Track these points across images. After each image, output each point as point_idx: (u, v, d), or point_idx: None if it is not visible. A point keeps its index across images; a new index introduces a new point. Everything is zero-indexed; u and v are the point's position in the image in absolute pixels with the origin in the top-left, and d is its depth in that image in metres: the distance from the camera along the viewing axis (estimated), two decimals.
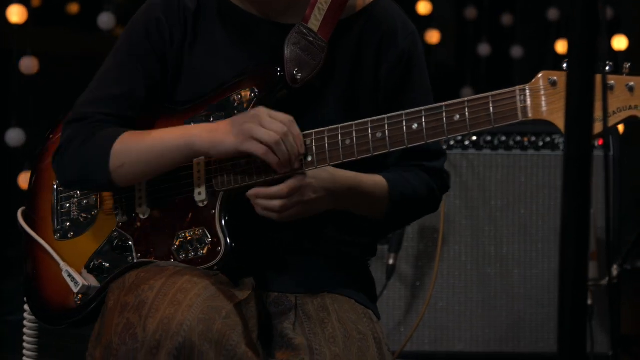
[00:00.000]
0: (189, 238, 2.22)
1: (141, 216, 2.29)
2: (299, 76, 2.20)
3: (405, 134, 2.08)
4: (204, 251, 2.19)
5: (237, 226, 2.20)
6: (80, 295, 2.32)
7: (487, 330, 3.73)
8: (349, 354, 2.15)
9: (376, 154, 2.11)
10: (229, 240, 2.18)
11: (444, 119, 2.05)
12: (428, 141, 2.07)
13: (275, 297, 2.25)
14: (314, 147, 2.13)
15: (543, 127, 3.73)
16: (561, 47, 5.50)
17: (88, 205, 2.37)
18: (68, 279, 2.33)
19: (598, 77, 1.82)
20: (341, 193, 2.17)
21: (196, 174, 2.23)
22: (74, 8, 5.99)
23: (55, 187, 2.42)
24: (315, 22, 2.23)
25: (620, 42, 5.25)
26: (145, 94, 2.27)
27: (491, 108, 2.02)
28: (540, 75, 2.00)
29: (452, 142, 3.72)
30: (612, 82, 1.95)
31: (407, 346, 3.69)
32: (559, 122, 1.96)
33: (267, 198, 2.13)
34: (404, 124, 2.08)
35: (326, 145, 2.12)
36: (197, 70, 2.29)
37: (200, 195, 2.22)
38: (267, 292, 2.26)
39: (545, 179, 3.75)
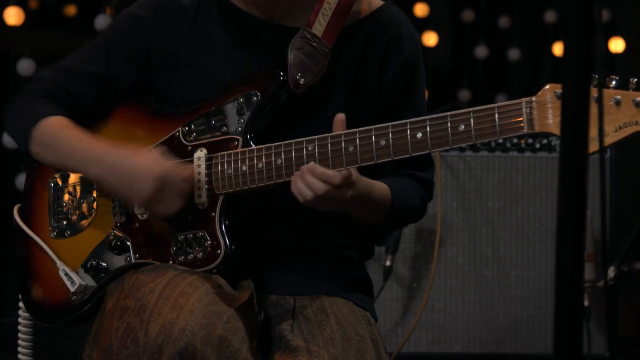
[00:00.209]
0: (188, 240, 2.22)
1: (139, 217, 2.29)
2: (301, 81, 2.21)
3: (409, 143, 2.08)
4: (204, 254, 2.19)
5: (237, 229, 2.20)
6: (76, 295, 2.32)
7: (484, 332, 3.74)
8: (347, 356, 2.15)
9: (379, 161, 2.10)
10: (228, 244, 2.18)
11: (449, 128, 2.05)
12: (432, 150, 2.07)
13: (274, 300, 2.26)
14: (316, 153, 2.12)
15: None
16: (558, 49, 5.51)
17: (86, 204, 2.36)
18: (65, 278, 2.33)
19: (605, 92, 1.83)
20: (358, 197, 2.17)
21: (197, 176, 2.23)
22: (71, 10, 6.00)
23: (52, 184, 2.41)
24: (319, 28, 2.23)
25: (617, 45, 5.26)
26: (101, 83, 2.35)
27: (497, 119, 2.01)
28: (547, 87, 1.99)
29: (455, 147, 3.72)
30: (619, 97, 1.94)
31: (404, 347, 3.69)
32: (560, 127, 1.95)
33: (317, 178, 2.10)
34: (409, 132, 2.08)
35: (329, 151, 2.12)
36: (197, 71, 2.29)
37: (200, 197, 2.23)
38: (266, 294, 2.26)
39: (542, 180, 3.75)
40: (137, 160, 2.20)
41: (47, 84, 2.36)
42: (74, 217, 2.38)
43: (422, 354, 3.74)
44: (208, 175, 2.22)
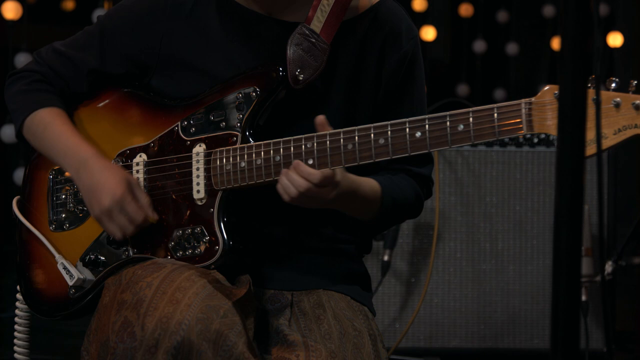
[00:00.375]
0: (186, 235, 2.22)
1: None
2: (300, 77, 2.21)
3: (408, 142, 2.07)
4: (202, 249, 2.19)
5: (235, 225, 2.20)
6: (74, 289, 2.32)
7: (482, 326, 3.74)
8: (344, 351, 2.15)
9: (378, 160, 2.10)
10: (227, 239, 2.18)
11: (448, 128, 2.04)
12: (431, 150, 2.07)
13: (271, 294, 2.26)
14: (315, 151, 2.12)
15: None
16: (557, 44, 5.51)
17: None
18: (63, 272, 2.33)
19: (604, 94, 1.83)
20: (343, 195, 2.17)
21: (195, 171, 2.24)
22: (69, 4, 5.99)
23: (50, 177, 2.42)
24: (317, 24, 2.23)
25: (615, 39, 5.26)
26: (94, 72, 2.38)
27: (496, 119, 2.01)
28: (546, 88, 1.99)
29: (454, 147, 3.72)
30: (619, 99, 1.93)
31: (402, 342, 3.69)
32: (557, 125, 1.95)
33: (300, 175, 2.12)
34: (407, 131, 2.07)
35: (328, 149, 2.12)
36: (194, 67, 2.29)
37: (199, 193, 2.23)
38: (263, 289, 2.26)
39: (540, 175, 3.75)
40: (107, 175, 2.26)
41: (44, 68, 2.40)
42: (73, 210, 2.38)
43: (420, 349, 3.74)
44: (207, 170, 2.22)
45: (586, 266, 3.59)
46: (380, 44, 2.28)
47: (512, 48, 5.60)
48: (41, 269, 2.39)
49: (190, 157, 2.25)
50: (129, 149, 2.33)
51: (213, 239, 2.19)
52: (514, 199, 3.76)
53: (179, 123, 2.29)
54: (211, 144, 2.23)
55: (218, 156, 2.21)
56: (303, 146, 2.12)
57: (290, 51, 2.21)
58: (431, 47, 5.57)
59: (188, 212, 2.23)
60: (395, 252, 3.72)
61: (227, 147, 2.21)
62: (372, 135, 2.09)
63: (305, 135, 2.13)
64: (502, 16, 5.71)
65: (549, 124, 1.98)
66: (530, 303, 3.74)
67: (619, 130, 1.93)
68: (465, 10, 5.65)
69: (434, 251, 3.70)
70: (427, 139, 2.06)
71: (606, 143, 1.93)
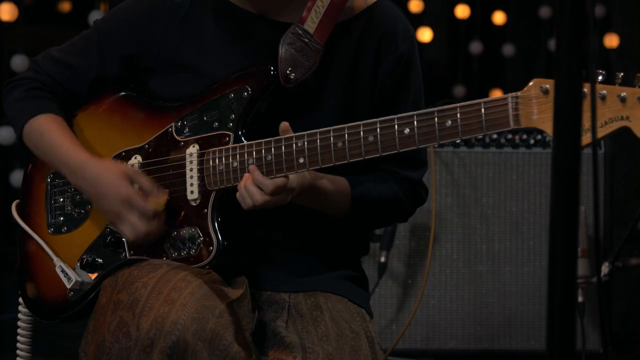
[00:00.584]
0: (180, 237, 2.22)
1: None
2: (292, 76, 2.21)
3: (397, 138, 2.08)
4: (196, 250, 2.20)
5: (229, 225, 2.20)
6: (72, 291, 2.32)
7: (479, 328, 3.74)
8: (341, 353, 2.15)
9: (368, 157, 2.10)
10: (221, 239, 2.18)
11: (436, 124, 2.05)
12: (420, 146, 2.07)
13: (268, 296, 2.26)
14: (306, 149, 2.13)
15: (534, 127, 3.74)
16: (553, 45, 5.51)
17: (82, 200, 2.37)
18: (61, 275, 2.33)
19: (589, 86, 1.82)
20: (306, 194, 2.19)
21: (189, 172, 2.24)
22: (65, 6, 5.99)
23: (48, 180, 2.43)
24: (311, 24, 2.23)
25: (611, 40, 5.26)
26: (94, 78, 2.38)
27: (483, 114, 2.01)
28: (532, 83, 1.99)
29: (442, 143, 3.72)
30: (604, 92, 1.93)
31: (399, 344, 3.70)
32: (550, 130, 1.94)
33: (254, 183, 2.14)
34: (396, 128, 2.08)
35: (318, 147, 2.12)
36: (189, 68, 2.30)
37: (192, 194, 2.23)
38: (260, 290, 2.26)
39: (537, 176, 3.76)
40: (105, 177, 2.26)
41: (42, 76, 2.41)
42: (71, 214, 2.39)
43: (416, 350, 3.74)
44: (200, 171, 2.22)
45: (582, 267, 3.60)
46: (376, 45, 2.28)
47: (508, 49, 5.60)
48: (40, 272, 2.40)
49: (184, 158, 2.25)
50: (124, 151, 2.33)
51: (207, 239, 2.19)
52: (510, 200, 3.76)
53: (173, 124, 2.29)
54: (204, 145, 2.23)
55: (211, 156, 2.21)
56: (294, 145, 2.13)
57: (282, 50, 2.21)
58: (427, 48, 5.57)
59: (182, 213, 2.23)
60: (391, 253, 3.72)
61: (219, 147, 2.21)
62: (361, 132, 2.10)
63: (296, 134, 2.13)
64: (498, 17, 5.71)
65: (536, 118, 1.98)
66: (527, 304, 3.74)
67: (605, 123, 1.93)
68: (462, 11, 5.65)
69: (430, 252, 3.70)
70: (415, 135, 2.06)
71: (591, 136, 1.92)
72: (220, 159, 2.20)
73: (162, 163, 2.28)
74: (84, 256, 2.33)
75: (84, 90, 2.40)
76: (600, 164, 3.71)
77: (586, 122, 1.80)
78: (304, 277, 2.28)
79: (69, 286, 2.32)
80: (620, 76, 1.94)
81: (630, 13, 5.49)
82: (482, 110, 2.01)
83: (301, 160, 2.12)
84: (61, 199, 2.40)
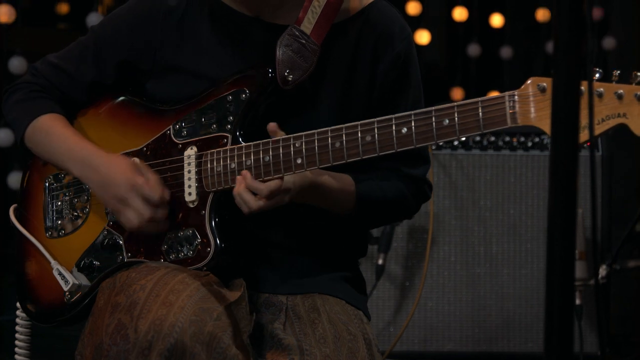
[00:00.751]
0: (178, 238, 2.22)
1: None
2: (290, 78, 2.21)
3: (394, 138, 2.08)
4: (194, 252, 2.19)
5: (227, 227, 2.20)
6: (69, 294, 2.32)
7: (477, 330, 3.74)
8: (339, 355, 2.15)
9: (365, 157, 2.10)
10: (218, 241, 2.18)
11: (433, 123, 2.05)
12: (417, 145, 2.07)
13: (266, 298, 2.26)
14: (303, 150, 2.13)
15: (532, 128, 3.73)
16: (551, 47, 5.51)
17: (79, 204, 2.37)
18: (58, 277, 2.33)
19: (586, 84, 1.83)
20: (307, 192, 2.18)
21: (187, 174, 2.24)
22: (63, 8, 5.99)
23: (46, 184, 2.43)
24: (308, 25, 2.23)
25: (609, 43, 5.27)
26: (91, 83, 2.39)
27: (480, 113, 2.02)
28: (529, 81, 2.00)
29: (441, 143, 3.72)
30: (601, 89, 1.93)
31: (397, 346, 3.69)
32: (548, 128, 1.94)
33: (247, 191, 2.14)
34: (394, 127, 2.08)
35: (316, 147, 2.12)
36: (186, 71, 2.30)
37: (190, 195, 2.23)
38: (258, 292, 2.26)
39: (534, 179, 3.76)
40: (114, 165, 2.26)
41: (41, 80, 2.42)
42: (68, 217, 2.39)
43: (414, 353, 3.74)
44: (198, 173, 2.22)
45: (580, 270, 3.60)
46: (373, 46, 2.28)
47: (506, 51, 5.61)
48: (37, 276, 2.40)
49: (182, 160, 2.25)
50: (122, 154, 2.33)
51: (205, 240, 2.19)
52: (508, 202, 3.76)
53: (171, 127, 2.29)
54: (202, 147, 2.24)
55: (209, 158, 2.21)
56: (292, 146, 2.13)
57: (279, 52, 2.21)
58: (425, 50, 5.57)
59: (180, 214, 2.23)
60: (389, 255, 3.72)
61: (217, 149, 2.21)
62: (359, 132, 2.10)
63: (294, 134, 2.13)
64: (496, 20, 5.72)
65: (533, 116, 1.98)
66: (525, 307, 3.74)
67: (602, 120, 1.93)
68: (460, 13, 5.65)
69: (428, 255, 3.70)
70: (412, 135, 2.06)
71: (588, 134, 1.92)
72: (218, 160, 2.20)
73: (160, 165, 2.28)
74: (82, 259, 2.33)
75: (82, 95, 2.40)
76: (598, 166, 3.71)
77: (583, 120, 1.80)
78: (301, 279, 2.28)
79: (66, 289, 2.32)
80: (616, 74, 1.94)
81: (629, 15, 5.49)
82: (480, 109, 2.01)
83: (299, 161, 2.12)
84: (59, 203, 2.40)
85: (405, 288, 3.74)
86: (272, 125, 2.14)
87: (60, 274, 2.33)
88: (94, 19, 4.51)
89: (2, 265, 4.76)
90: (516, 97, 2.00)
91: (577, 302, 3.58)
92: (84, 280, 2.32)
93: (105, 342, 2.04)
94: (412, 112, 2.07)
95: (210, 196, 2.21)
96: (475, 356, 3.74)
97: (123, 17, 2.37)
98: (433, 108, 2.05)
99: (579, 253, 3.59)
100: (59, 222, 2.40)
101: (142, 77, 2.35)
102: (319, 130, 2.12)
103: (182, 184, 2.24)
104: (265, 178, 2.14)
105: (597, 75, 1.94)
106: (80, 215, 2.37)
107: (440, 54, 6.27)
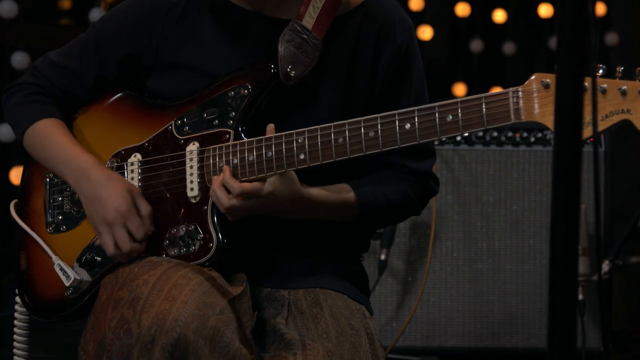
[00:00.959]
0: (180, 234, 2.22)
1: None
2: (292, 73, 2.21)
3: (397, 134, 2.08)
4: (196, 247, 2.20)
5: (229, 222, 2.20)
6: (71, 290, 2.32)
7: (479, 326, 3.74)
8: (341, 350, 2.15)
9: (369, 152, 2.10)
10: (220, 237, 2.18)
11: (437, 119, 2.05)
12: (421, 141, 2.07)
13: (268, 293, 2.26)
14: (306, 145, 2.13)
15: (535, 123, 3.73)
16: (554, 43, 5.51)
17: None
18: (60, 273, 2.33)
19: (590, 80, 1.83)
20: (295, 208, 2.19)
21: (189, 169, 2.24)
22: (66, 3, 5.98)
23: (47, 180, 2.43)
24: (309, 20, 2.23)
25: (611, 39, 5.26)
26: (93, 80, 2.38)
27: (484, 109, 2.01)
28: (533, 77, 2.00)
29: (443, 138, 3.71)
30: (605, 85, 1.93)
31: (399, 341, 3.69)
32: (551, 124, 1.95)
33: (222, 187, 2.15)
34: (397, 123, 2.08)
35: (319, 143, 2.12)
36: (187, 67, 2.30)
37: (192, 191, 2.23)
38: (260, 287, 2.26)
39: (537, 174, 3.75)
40: (110, 186, 2.26)
41: (42, 80, 2.41)
42: (70, 212, 2.39)
43: (417, 348, 3.73)
44: (200, 168, 2.22)
45: (583, 265, 3.59)
46: (374, 39, 2.28)
47: (509, 47, 5.60)
48: (39, 271, 2.40)
49: (184, 156, 2.25)
50: (124, 150, 2.34)
51: (207, 236, 2.19)
52: (510, 198, 3.75)
53: (173, 122, 2.29)
54: (205, 142, 2.24)
55: (211, 154, 2.21)
56: (294, 141, 2.13)
57: (281, 48, 2.21)
58: (428, 46, 5.56)
59: (182, 210, 2.23)
60: (392, 251, 3.72)
61: (220, 145, 2.21)
62: (362, 128, 2.10)
63: (297, 130, 2.13)
64: (499, 15, 5.71)
65: (537, 112, 1.98)
66: (527, 302, 3.74)
67: (606, 116, 1.93)
68: (462, 9, 5.65)
69: (430, 250, 3.70)
70: (416, 130, 2.06)
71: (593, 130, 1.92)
72: (220, 156, 2.20)
73: (161, 161, 2.28)
74: (84, 254, 2.33)
75: (84, 93, 2.40)
76: (601, 161, 3.71)
77: (587, 116, 1.80)
78: (303, 274, 2.28)
79: (67, 284, 2.32)
80: (620, 70, 1.94)
81: (631, 11, 5.49)
82: (483, 104, 2.01)
83: (302, 157, 2.12)
84: (60, 198, 2.40)
85: (408, 283, 3.74)
86: (270, 127, 2.15)
87: (61, 269, 2.33)
88: (96, 14, 4.51)
89: (3, 262, 4.76)
90: (520, 93, 2.00)
91: (580, 297, 3.58)
92: (85, 276, 2.32)
93: (108, 336, 2.04)
94: (416, 107, 2.07)
95: None
96: (478, 351, 3.74)
97: (124, 12, 2.37)
98: (436, 104, 2.05)
99: (581, 249, 3.59)
100: (60, 217, 2.40)
101: (144, 73, 2.35)
102: (322, 125, 2.12)
103: (184, 179, 2.24)
104: (243, 179, 2.15)
105: (601, 71, 1.94)
106: (82, 210, 2.37)
107: (443, 50, 6.26)
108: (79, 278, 2.31)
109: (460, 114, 2.03)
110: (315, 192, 2.20)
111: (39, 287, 2.40)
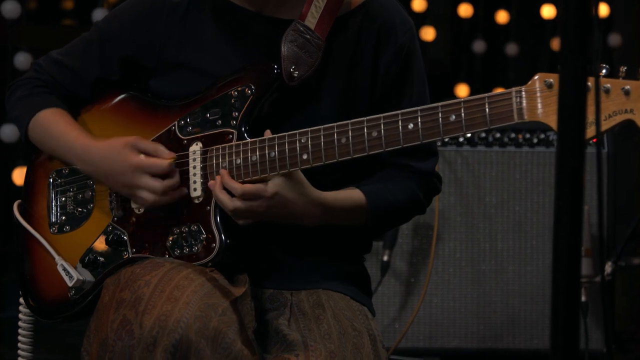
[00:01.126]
0: (183, 234, 2.22)
1: (136, 211, 2.30)
2: (295, 74, 2.21)
3: (400, 134, 2.08)
4: (199, 247, 2.20)
5: (232, 222, 2.20)
6: (74, 290, 2.32)
7: (482, 327, 3.74)
8: (343, 351, 2.15)
9: (372, 153, 2.10)
10: (223, 237, 2.18)
11: (440, 119, 2.05)
12: (424, 141, 2.07)
13: (271, 294, 2.26)
14: (309, 145, 2.13)
15: (537, 124, 3.73)
16: (556, 44, 5.51)
17: (84, 200, 2.38)
18: (63, 273, 2.33)
19: (593, 80, 1.83)
20: (309, 212, 2.18)
21: (192, 170, 2.24)
22: (68, 4, 5.99)
23: (51, 180, 2.43)
24: (312, 20, 2.23)
25: (614, 40, 5.26)
26: (95, 79, 2.39)
27: (487, 109, 2.01)
28: (536, 77, 2.00)
29: (446, 139, 3.72)
30: (608, 85, 1.93)
31: (402, 342, 3.69)
32: (555, 124, 1.94)
33: (223, 190, 2.15)
34: (400, 123, 2.08)
35: (322, 143, 2.12)
36: (190, 68, 2.30)
37: (195, 191, 2.23)
38: (263, 288, 2.26)
39: (540, 175, 3.75)
40: (110, 153, 2.26)
41: (44, 76, 2.42)
42: (73, 213, 2.39)
43: (419, 349, 3.73)
44: (203, 169, 2.22)
45: (586, 267, 3.59)
46: (375, 39, 2.28)
47: (511, 48, 5.60)
48: (42, 272, 2.40)
49: (187, 156, 2.25)
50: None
51: (210, 236, 2.19)
52: (513, 199, 3.75)
53: (176, 122, 2.29)
54: (208, 142, 2.24)
55: (214, 154, 2.22)
56: (297, 141, 2.13)
57: (284, 48, 2.21)
58: (430, 47, 5.56)
59: (185, 210, 2.23)
60: (394, 252, 3.72)
61: (223, 145, 2.21)
62: (365, 128, 2.10)
63: (300, 130, 2.13)
64: (501, 16, 5.71)
65: (540, 112, 1.98)
66: (530, 303, 3.73)
67: (609, 116, 1.93)
68: (465, 10, 5.65)
69: (433, 251, 3.70)
70: (419, 130, 2.06)
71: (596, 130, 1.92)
72: (223, 156, 2.20)
73: None
74: (87, 255, 2.34)
75: (86, 92, 2.40)
76: (604, 162, 3.71)
77: (590, 116, 1.80)
78: (306, 275, 2.28)
79: (70, 284, 2.32)
80: (623, 70, 1.94)
81: (633, 12, 5.49)
82: (486, 104, 2.01)
83: (305, 157, 2.12)
84: (63, 198, 2.41)
85: (411, 284, 3.74)
86: (266, 133, 2.15)
87: (64, 269, 2.33)
88: (99, 14, 4.51)
89: (5, 262, 4.77)
90: (523, 92, 2.00)
91: (583, 299, 3.58)
92: (88, 276, 2.32)
93: (111, 337, 2.04)
94: (419, 107, 2.07)
95: None
96: (481, 353, 3.74)
97: (127, 12, 2.37)
98: (440, 104, 2.05)
99: (584, 250, 3.58)
100: (63, 218, 2.40)
101: (147, 73, 2.35)
102: (325, 126, 2.12)
103: (188, 179, 2.24)
104: (246, 179, 2.15)
105: (604, 71, 1.94)
106: (85, 211, 2.37)
107: (445, 51, 6.26)
108: (82, 278, 2.31)
109: (463, 114, 2.03)
110: (327, 195, 2.20)
111: (42, 287, 2.40)
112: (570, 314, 1.34)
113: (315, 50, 2.22)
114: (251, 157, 2.16)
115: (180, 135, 2.28)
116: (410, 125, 2.07)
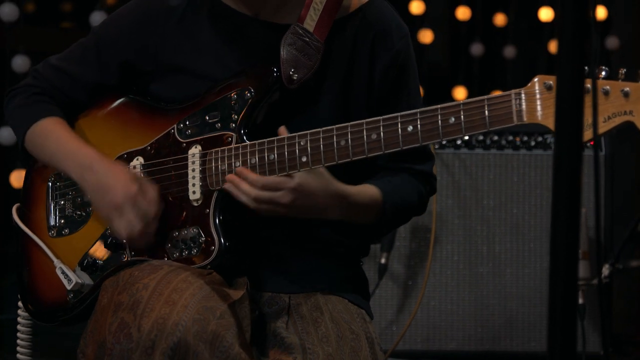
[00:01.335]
0: (182, 237, 2.22)
1: None
2: (295, 77, 2.21)
3: (400, 136, 2.08)
4: (198, 250, 2.20)
5: (231, 225, 2.20)
6: (72, 293, 2.32)
7: (480, 329, 3.74)
8: (341, 354, 2.15)
9: (371, 155, 2.11)
10: (222, 240, 2.18)
11: (439, 121, 2.05)
12: (423, 143, 2.08)
13: (269, 297, 2.26)
14: (309, 148, 2.13)
15: (535, 127, 3.73)
16: (554, 47, 5.51)
17: (83, 203, 2.38)
18: (61, 276, 2.33)
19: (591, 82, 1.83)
20: (332, 205, 2.17)
21: (191, 172, 2.24)
22: (67, 7, 5.99)
23: (49, 184, 2.43)
24: (310, 23, 2.23)
25: (612, 42, 5.26)
26: (93, 84, 2.39)
27: (486, 111, 2.02)
28: (536, 79, 2.00)
29: (444, 142, 3.72)
30: (607, 87, 1.94)
31: (400, 345, 3.69)
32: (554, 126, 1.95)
33: (244, 180, 2.14)
34: (399, 126, 2.08)
35: (321, 146, 2.12)
36: (185, 69, 2.30)
37: (194, 194, 2.23)
38: (261, 291, 2.26)
39: (538, 178, 3.76)
40: (115, 174, 2.25)
41: (43, 83, 2.41)
42: (72, 216, 2.39)
43: (417, 352, 3.74)
44: (202, 171, 2.22)
45: (583, 269, 3.59)
46: (371, 43, 2.29)
47: (509, 51, 5.60)
48: (40, 275, 2.40)
49: (186, 159, 2.25)
50: (126, 153, 2.34)
51: (209, 239, 2.19)
52: (511, 202, 3.76)
53: (175, 125, 2.29)
54: (207, 145, 2.24)
55: (213, 157, 2.22)
56: (296, 144, 2.13)
57: (283, 51, 2.21)
58: (428, 50, 5.56)
59: (184, 213, 2.23)
60: (392, 255, 3.72)
61: (222, 148, 2.21)
62: (364, 130, 2.10)
63: (299, 133, 2.13)
64: (499, 19, 5.71)
65: (539, 114, 1.99)
66: (528, 306, 3.74)
67: (609, 118, 1.93)
68: (463, 13, 5.65)
69: (431, 254, 3.70)
70: (418, 133, 2.07)
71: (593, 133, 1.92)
72: (222, 159, 2.20)
73: (164, 164, 2.29)
74: (86, 258, 2.34)
75: (84, 97, 2.40)
76: (601, 165, 3.71)
77: (589, 117, 1.80)
78: (304, 278, 2.28)
79: (69, 287, 2.32)
80: (622, 72, 1.95)
81: (631, 15, 5.49)
82: (486, 107, 2.02)
83: (304, 159, 2.13)
84: (62, 202, 2.41)
85: (408, 287, 3.74)
86: (281, 129, 2.15)
87: (63, 272, 2.34)
88: (97, 17, 4.51)
89: (4, 265, 4.76)
90: (522, 95, 2.00)
91: (580, 301, 3.58)
92: (86, 279, 2.32)
93: (109, 340, 2.04)
94: (418, 110, 2.07)
95: (215, 195, 2.21)
96: (478, 355, 3.74)
97: (124, 17, 2.38)
98: (439, 106, 2.06)
99: (582, 253, 3.59)
100: (62, 221, 2.40)
101: (145, 77, 2.36)
102: (324, 128, 2.12)
103: (186, 182, 2.24)
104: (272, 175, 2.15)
105: (604, 73, 1.95)
106: (84, 214, 2.37)
107: (443, 53, 6.26)
108: (80, 282, 2.32)
109: (462, 116, 2.03)
110: (350, 188, 2.20)
111: (41, 290, 2.40)
112: (567, 316, 1.34)
113: (315, 53, 2.22)
114: (250, 160, 2.17)
115: (179, 138, 2.28)
116: (410, 128, 2.08)
